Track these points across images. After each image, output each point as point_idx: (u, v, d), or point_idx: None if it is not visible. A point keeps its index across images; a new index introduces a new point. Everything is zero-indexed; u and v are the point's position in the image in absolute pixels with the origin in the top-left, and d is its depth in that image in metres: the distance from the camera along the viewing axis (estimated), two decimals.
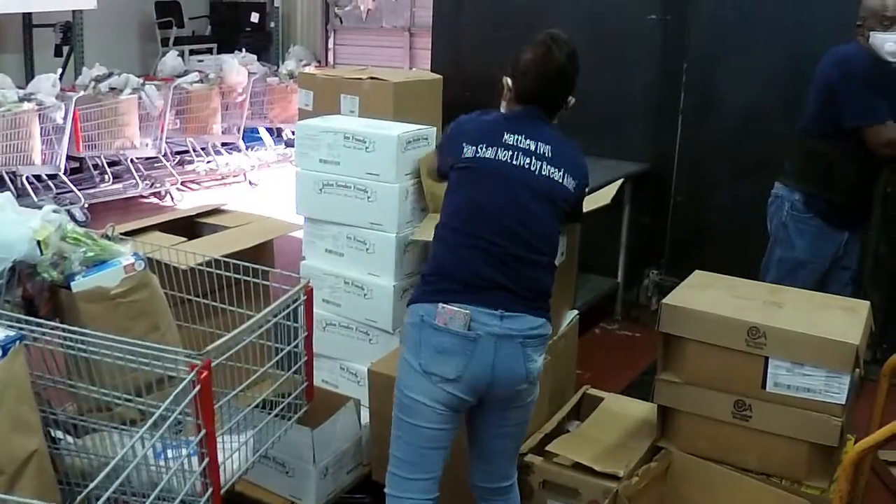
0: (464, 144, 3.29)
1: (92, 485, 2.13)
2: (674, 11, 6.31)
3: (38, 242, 2.86)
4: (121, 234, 3.28)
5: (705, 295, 3.73)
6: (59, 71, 10.10)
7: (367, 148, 4.20)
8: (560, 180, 3.25)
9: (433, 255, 3.31)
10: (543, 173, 3.22)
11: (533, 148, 3.24)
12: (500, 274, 3.13)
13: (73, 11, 10.64)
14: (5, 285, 2.82)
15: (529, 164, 3.22)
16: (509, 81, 3.37)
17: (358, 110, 5.42)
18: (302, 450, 3.79)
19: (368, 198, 4.24)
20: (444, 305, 3.09)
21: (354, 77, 5.64)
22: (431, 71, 7.09)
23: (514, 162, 3.22)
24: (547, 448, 3.79)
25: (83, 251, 2.90)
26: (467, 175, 3.27)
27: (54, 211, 2.97)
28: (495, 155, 3.23)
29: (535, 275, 3.20)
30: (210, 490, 2.61)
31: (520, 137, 3.26)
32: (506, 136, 3.26)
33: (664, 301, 3.64)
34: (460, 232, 3.19)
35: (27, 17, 11.00)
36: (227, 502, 2.78)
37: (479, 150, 3.25)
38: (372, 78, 5.55)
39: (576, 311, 4.46)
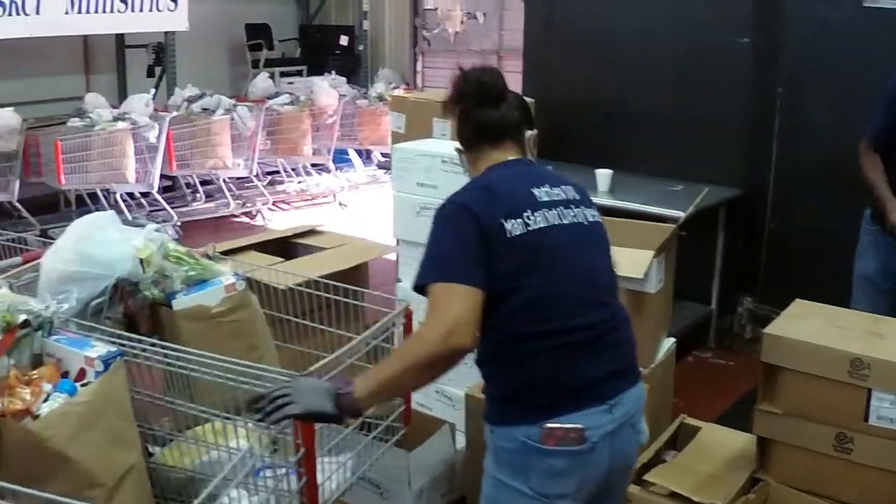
0: (503, 222, 2.64)
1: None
2: (765, 34, 6.22)
3: (141, 261, 2.89)
4: (219, 252, 3.31)
5: (806, 325, 3.64)
6: (152, 91, 10.23)
7: (464, 171, 4.19)
8: (599, 219, 2.90)
9: (509, 373, 2.70)
10: (589, 220, 2.83)
11: (564, 196, 2.81)
12: (600, 361, 2.71)
13: (166, 33, 10.77)
14: (108, 302, 2.85)
15: (575, 216, 2.79)
16: (458, 144, 3.03)
17: (450, 133, 5.42)
18: (398, 472, 3.78)
19: None
20: (551, 425, 2.61)
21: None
22: (522, 94, 7.06)
23: (565, 220, 2.75)
24: (644, 477, 3.73)
25: (185, 270, 2.93)
26: (524, 259, 2.65)
27: (156, 230, 3.00)
28: (546, 220, 2.71)
29: (626, 336, 2.84)
30: None
31: (546, 188, 2.79)
32: (535, 192, 2.76)
33: (766, 331, 3.57)
34: (542, 334, 2.64)
35: (120, 37, 11.14)
36: None
37: (528, 221, 2.68)
38: None
39: (673, 339, 4.41)
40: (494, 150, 2.92)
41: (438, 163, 4.29)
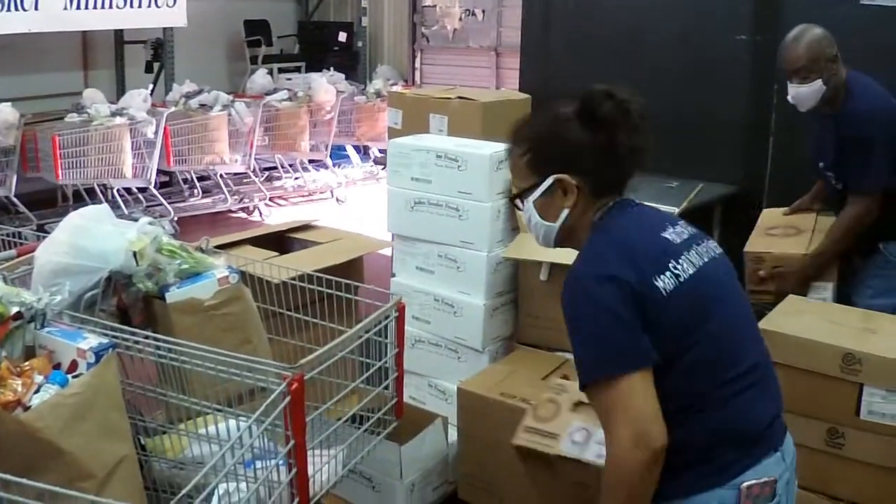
0: (654, 281, 2.30)
1: (177, 497, 2.14)
2: (764, 32, 6.21)
3: (134, 253, 2.89)
4: (214, 247, 3.31)
5: (799, 320, 3.65)
6: (150, 87, 10.24)
7: (458, 166, 4.21)
8: (719, 249, 2.57)
9: (687, 436, 2.29)
10: (716, 253, 2.52)
11: (688, 233, 2.50)
12: (768, 401, 2.50)
13: (164, 29, 10.81)
14: (101, 294, 2.86)
15: (707, 251, 2.48)
16: (573, 180, 2.46)
17: (447, 129, 5.44)
18: (389, 465, 3.79)
19: (460, 216, 4.25)
20: (749, 483, 2.32)
21: (443, 97, 5.66)
22: (520, 91, 7.09)
23: (705, 259, 2.44)
24: None
25: (178, 263, 2.94)
26: (686, 315, 2.34)
27: (150, 223, 3.00)
28: (691, 264, 2.39)
29: (774, 372, 2.60)
30: (297, 501, 2.61)
31: (671, 230, 2.47)
32: (667, 237, 2.43)
33: (759, 325, 3.58)
34: (721, 384, 2.36)
35: (118, 33, 11.15)
36: None
37: (676, 272, 2.35)
38: (460, 98, 5.57)
39: None
40: (613, 194, 2.51)
41: (433, 158, 4.30)
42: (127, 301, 2.91)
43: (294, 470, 2.55)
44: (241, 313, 3.01)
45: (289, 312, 3.41)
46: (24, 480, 2.08)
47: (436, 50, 13.02)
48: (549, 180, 2.47)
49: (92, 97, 9.29)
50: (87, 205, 3.45)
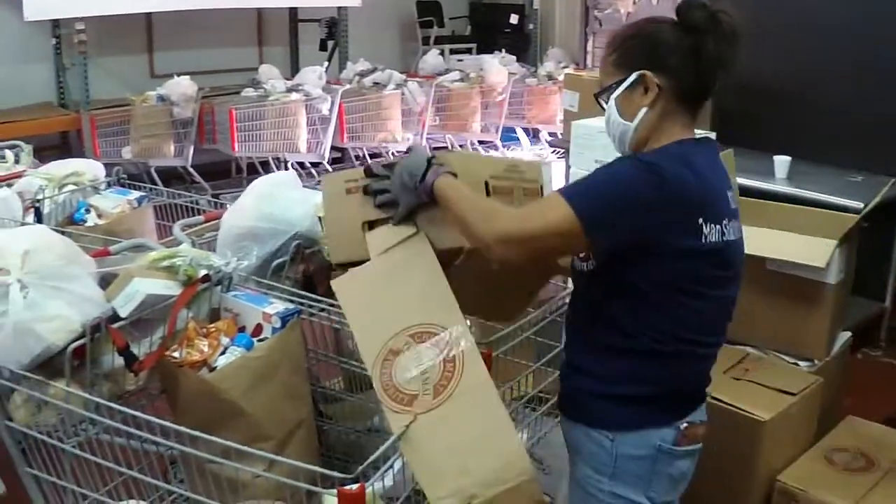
0: (702, 223, 2.27)
1: (364, 464, 2.12)
2: None
3: (320, 219, 2.92)
4: None
5: None
6: (325, 64, 10.35)
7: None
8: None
9: (655, 373, 2.38)
10: (741, 236, 2.46)
11: (736, 205, 2.46)
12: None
13: (339, 8, 10.95)
14: (289, 262, 2.89)
15: (739, 229, 2.44)
16: (655, 78, 2.36)
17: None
18: (561, 449, 3.73)
19: None
20: (687, 424, 2.44)
21: None
22: None
23: (740, 234, 2.45)
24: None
25: None
26: (712, 271, 2.34)
27: None
28: (733, 233, 2.38)
29: None
30: None
31: (730, 192, 2.44)
32: (729, 196, 2.42)
33: None
34: (702, 343, 2.43)
35: (293, 11, 11.31)
36: None
37: (725, 231, 2.33)
38: None
39: (849, 334, 4.26)
40: (690, 117, 2.44)
41: None
42: (313, 269, 2.93)
43: None
44: None
45: None
46: (212, 437, 2.11)
47: (608, 34, 12.83)
48: (633, 76, 2.38)
49: (268, 73, 9.46)
50: (260, 177, 3.52)
